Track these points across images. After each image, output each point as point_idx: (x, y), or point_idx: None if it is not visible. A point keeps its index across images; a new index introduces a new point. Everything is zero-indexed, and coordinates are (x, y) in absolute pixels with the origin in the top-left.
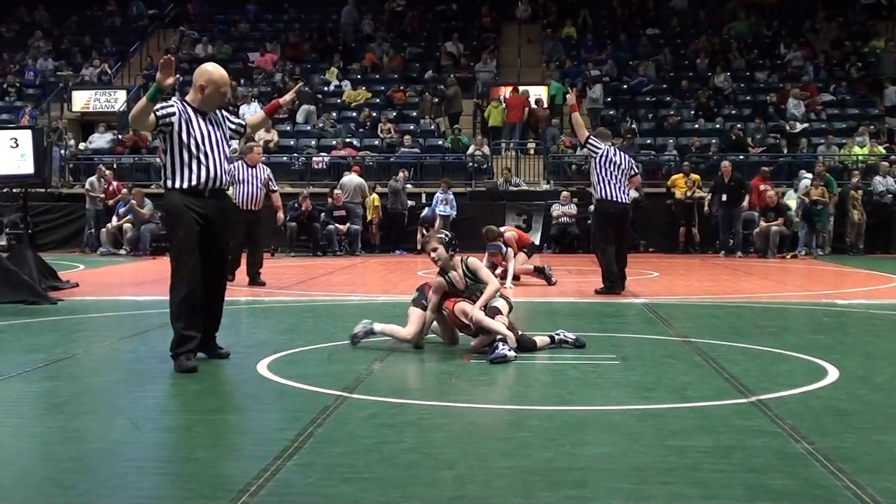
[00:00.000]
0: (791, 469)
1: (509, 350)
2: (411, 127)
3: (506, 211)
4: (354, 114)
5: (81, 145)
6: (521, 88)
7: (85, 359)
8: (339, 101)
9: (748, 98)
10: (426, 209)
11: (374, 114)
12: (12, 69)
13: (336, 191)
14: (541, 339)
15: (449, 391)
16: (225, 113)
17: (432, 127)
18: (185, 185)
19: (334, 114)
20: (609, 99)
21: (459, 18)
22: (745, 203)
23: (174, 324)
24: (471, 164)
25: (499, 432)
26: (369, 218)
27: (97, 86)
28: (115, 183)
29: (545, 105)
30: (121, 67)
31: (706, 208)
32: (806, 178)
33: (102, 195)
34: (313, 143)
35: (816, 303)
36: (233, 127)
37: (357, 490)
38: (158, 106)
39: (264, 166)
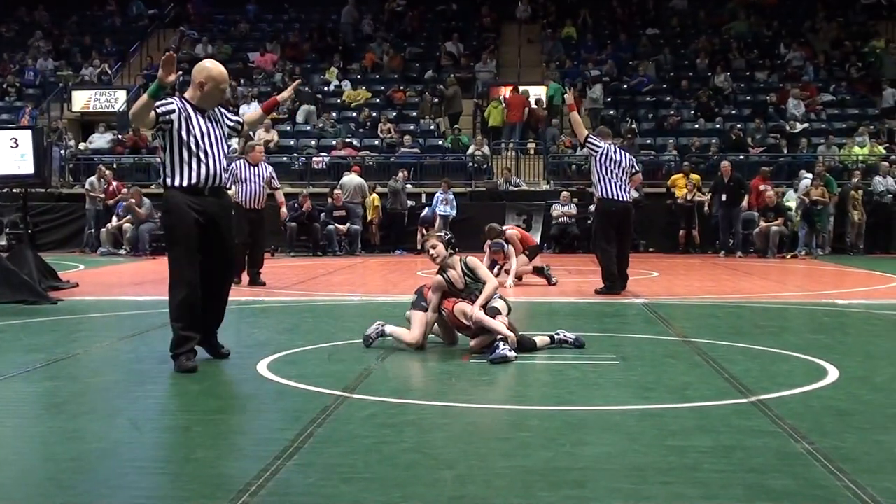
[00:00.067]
0: (791, 469)
1: (510, 350)
2: (411, 127)
3: (506, 211)
4: (354, 114)
5: (81, 145)
6: (521, 88)
7: (85, 359)
8: (339, 101)
9: (748, 98)
10: (426, 209)
11: (374, 114)
12: (12, 69)
13: (336, 191)
14: (540, 339)
15: (449, 391)
16: (223, 110)
17: (432, 127)
18: (185, 184)
19: (334, 114)
20: (609, 99)
21: (459, 18)
22: (745, 203)
23: (173, 324)
24: (471, 164)
25: (499, 432)
26: (369, 218)
27: (97, 86)
28: (115, 183)
29: (544, 105)
30: (121, 67)
31: (706, 209)
32: (806, 178)
33: (102, 195)
34: (313, 143)
35: (816, 303)
36: (230, 124)
37: (357, 490)
38: (158, 103)
39: (266, 165)
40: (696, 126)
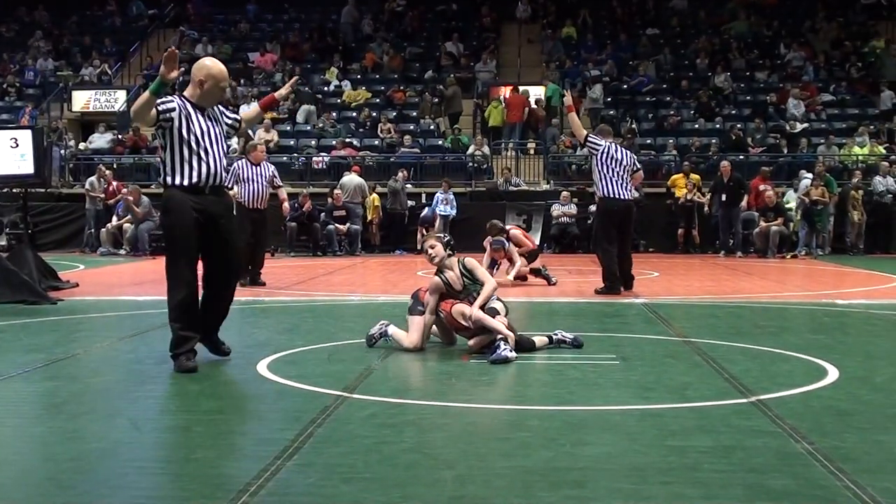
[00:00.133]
0: (791, 469)
1: (510, 351)
2: (411, 127)
3: (506, 211)
4: (354, 114)
5: (81, 145)
6: (521, 88)
7: (85, 359)
8: (339, 101)
9: (748, 98)
10: (426, 209)
11: (374, 114)
12: (12, 69)
13: (336, 191)
14: (539, 340)
15: (449, 391)
16: (221, 108)
17: (432, 127)
18: (186, 182)
19: (334, 114)
20: (609, 99)
21: (459, 18)
22: (744, 203)
23: (172, 324)
24: (471, 164)
25: (499, 432)
26: (369, 218)
27: (97, 86)
28: (115, 183)
29: (543, 106)
30: (121, 67)
31: (706, 209)
32: (806, 178)
33: (102, 195)
34: (313, 143)
35: (816, 303)
36: (229, 122)
37: (357, 490)
38: (159, 101)
39: (268, 164)
40: (696, 126)
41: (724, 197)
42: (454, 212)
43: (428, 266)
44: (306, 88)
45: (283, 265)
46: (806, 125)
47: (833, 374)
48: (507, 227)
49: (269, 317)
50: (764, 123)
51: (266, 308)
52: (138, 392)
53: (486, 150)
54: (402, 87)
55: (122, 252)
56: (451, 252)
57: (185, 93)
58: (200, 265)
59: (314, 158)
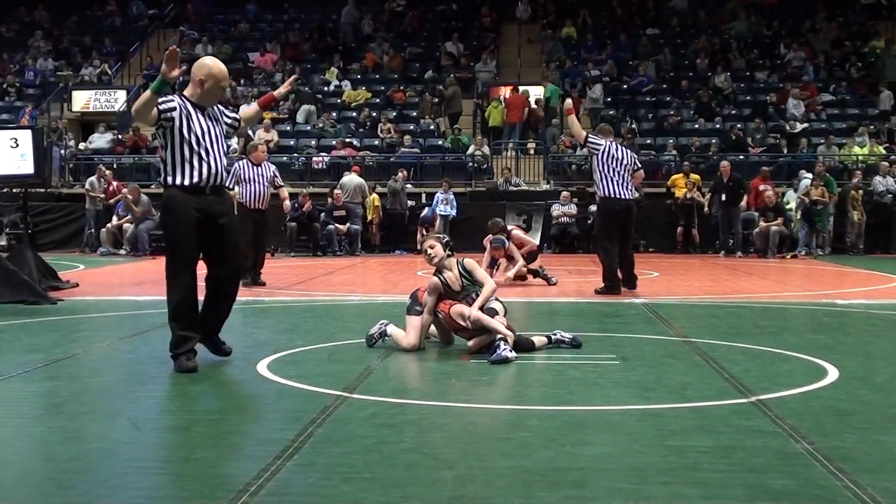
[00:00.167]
0: (791, 469)
1: (510, 351)
2: (411, 127)
3: (506, 211)
4: (354, 114)
5: (81, 145)
6: (521, 88)
7: (85, 359)
8: (339, 101)
9: (748, 98)
10: (426, 209)
11: (374, 114)
12: (12, 69)
13: (336, 191)
14: (538, 340)
15: (449, 391)
16: (221, 108)
17: (432, 127)
18: (187, 182)
19: (334, 114)
20: (609, 99)
21: (459, 18)
22: (744, 203)
23: (171, 325)
24: (471, 164)
25: (499, 432)
26: (369, 218)
27: (97, 86)
28: (115, 183)
29: (542, 106)
30: (121, 67)
31: (706, 209)
32: (806, 178)
33: (102, 195)
34: (313, 143)
35: (816, 303)
36: (228, 121)
37: (357, 490)
38: (160, 100)
39: (269, 164)
40: (696, 126)
41: (723, 197)
42: (454, 212)
43: (428, 266)
44: (306, 88)
45: (283, 265)
46: (806, 125)
47: (833, 374)
48: (510, 227)
49: (269, 317)
50: (764, 123)
51: (266, 308)
52: (138, 392)
53: (486, 150)
54: (402, 87)
55: (122, 252)
56: (450, 252)
57: (186, 92)
58: (203, 265)
59: (314, 158)
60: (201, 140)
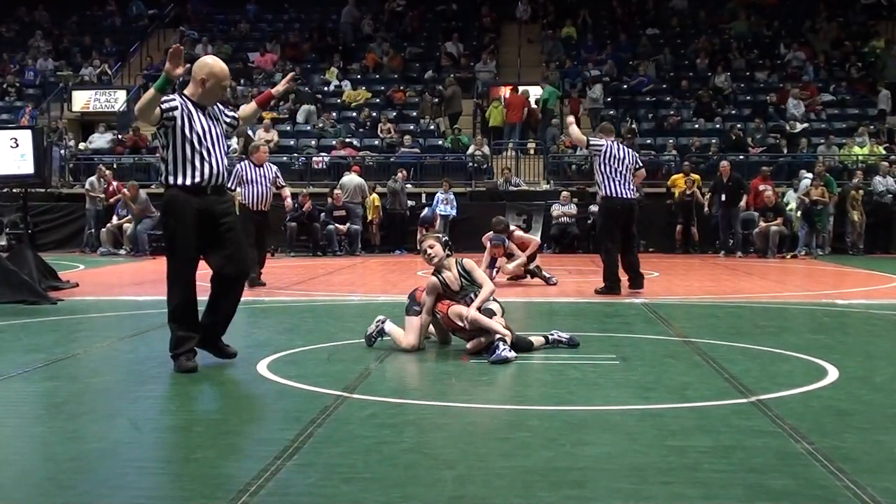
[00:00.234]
0: (791, 469)
1: (509, 351)
2: (411, 127)
3: (506, 211)
4: (354, 114)
5: (81, 145)
6: (520, 88)
7: (85, 359)
8: (339, 101)
9: (748, 98)
10: (426, 209)
11: (374, 114)
12: (12, 69)
13: (336, 191)
14: (536, 340)
15: (449, 391)
16: (220, 107)
17: (432, 127)
18: (188, 182)
19: (334, 114)
20: (609, 99)
21: (459, 18)
22: (744, 203)
23: (171, 325)
24: (471, 164)
25: (499, 432)
26: (369, 218)
27: (97, 86)
28: (115, 183)
29: (540, 108)
30: (121, 67)
31: (706, 208)
32: (806, 178)
33: (102, 195)
34: (313, 143)
35: (816, 303)
36: (227, 121)
37: (357, 490)
38: (162, 99)
39: (271, 165)
40: (696, 126)
41: (723, 197)
42: (454, 212)
43: (427, 266)
44: (306, 88)
45: (283, 265)
46: (806, 125)
47: (833, 374)
48: (511, 228)
49: (269, 317)
50: (764, 123)
51: (266, 308)
52: (138, 392)
53: (486, 150)
54: (402, 87)
55: (122, 252)
56: (449, 252)
57: (186, 91)
58: (206, 265)
59: (314, 158)
60: (203, 140)
